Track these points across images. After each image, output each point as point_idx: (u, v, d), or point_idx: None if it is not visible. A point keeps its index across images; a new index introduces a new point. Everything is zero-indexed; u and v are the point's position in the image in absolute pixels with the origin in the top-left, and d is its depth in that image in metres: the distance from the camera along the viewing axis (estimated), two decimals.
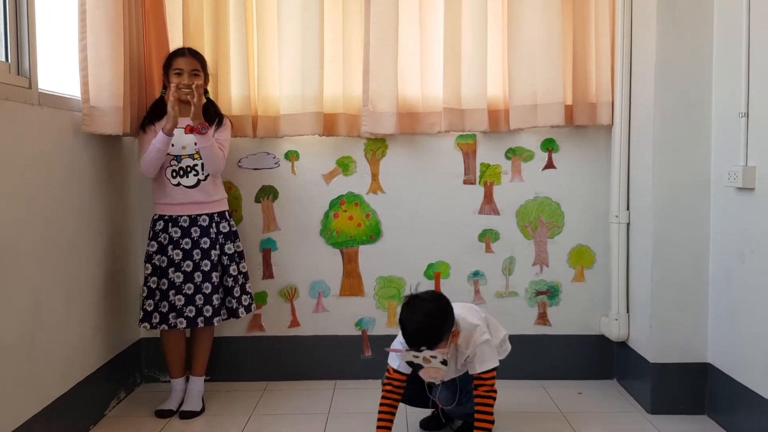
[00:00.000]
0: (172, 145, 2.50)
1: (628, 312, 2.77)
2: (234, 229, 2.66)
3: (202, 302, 2.54)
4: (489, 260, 2.91)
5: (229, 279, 2.61)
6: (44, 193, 2.17)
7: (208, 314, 2.53)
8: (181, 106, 2.50)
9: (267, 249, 2.92)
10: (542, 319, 2.93)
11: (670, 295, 2.52)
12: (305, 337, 2.94)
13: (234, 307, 2.63)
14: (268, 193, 2.91)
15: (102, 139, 2.55)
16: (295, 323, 2.95)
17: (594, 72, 2.76)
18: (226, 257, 2.61)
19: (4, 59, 2.10)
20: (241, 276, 2.66)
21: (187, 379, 2.69)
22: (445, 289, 2.91)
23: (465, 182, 2.90)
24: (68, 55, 2.50)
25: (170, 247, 2.55)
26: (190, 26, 2.72)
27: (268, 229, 2.92)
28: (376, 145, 2.89)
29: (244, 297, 2.66)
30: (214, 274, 2.55)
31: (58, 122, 2.28)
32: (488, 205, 2.90)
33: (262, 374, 2.93)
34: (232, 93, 2.77)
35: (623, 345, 2.81)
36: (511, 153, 2.89)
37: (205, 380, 2.72)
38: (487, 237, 2.91)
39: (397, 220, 2.91)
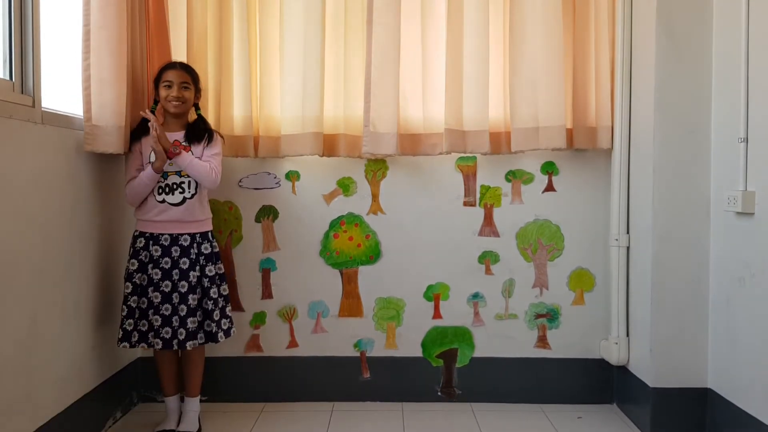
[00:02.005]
0: None
1: (628, 336, 2.76)
2: (216, 250, 2.60)
3: (177, 324, 2.47)
4: (489, 282, 2.91)
5: (209, 302, 2.53)
6: (45, 210, 2.17)
7: (181, 337, 2.46)
8: (170, 120, 2.54)
9: (266, 269, 2.92)
10: (542, 342, 2.91)
11: (670, 319, 2.51)
12: (303, 358, 2.93)
13: (213, 330, 2.54)
14: (268, 213, 2.91)
15: (103, 158, 2.55)
16: (293, 344, 2.93)
17: (594, 96, 2.77)
18: (207, 279, 2.54)
19: (8, 78, 2.11)
20: (222, 299, 2.59)
21: (182, 399, 2.65)
22: (445, 310, 2.91)
23: (465, 204, 2.90)
24: (71, 74, 2.52)
25: (150, 265, 2.49)
26: (194, 47, 2.74)
27: (267, 249, 2.92)
28: (377, 166, 2.90)
29: (224, 321, 2.58)
30: (191, 297, 2.48)
31: (61, 141, 2.29)
32: (488, 227, 2.91)
33: (259, 395, 2.91)
34: (234, 113, 2.79)
35: (623, 369, 2.80)
36: (512, 175, 2.90)
37: (202, 401, 2.69)
38: (487, 259, 2.91)
39: (397, 241, 2.91)
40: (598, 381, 2.89)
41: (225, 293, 2.62)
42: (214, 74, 2.76)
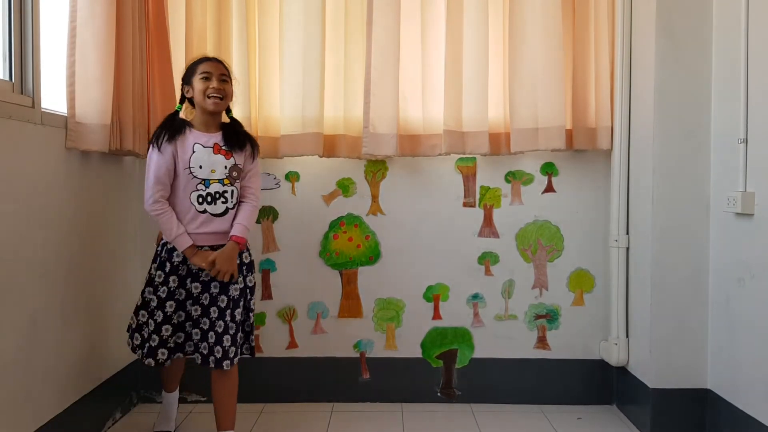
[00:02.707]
0: (200, 167, 2.26)
1: (627, 337, 2.76)
2: (252, 259, 2.44)
3: (213, 341, 2.26)
4: (488, 283, 2.91)
5: (248, 314, 2.38)
6: (44, 210, 2.17)
7: (218, 355, 2.24)
8: (205, 120, 2.31)
9: (266, 270, 2.92)
10: (542, 342, 2.91)
11: (669, 320, 2.51)
12: (303, 359, 2.93)
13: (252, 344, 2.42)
14: (267, 214, 2.91)
15: (103, 159, 2.55)
16: (293, 345, 2.93)
17: (593, 97, 2.77)
18: (248, 290, 2.37)
19: (8, 78, 2.11)
20: (251, 312, 2.42)
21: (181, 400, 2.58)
22: (444, 311, 2.91)
23: (465, 205, 2.90)
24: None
25: (189, 279, 2.28)
26: (193, 47, 2.75)
27: (267, 250, 2.92)
28: (377, 167, 2.90)
29: (251, 336, 2.42)
30: (228, 312, 2.27)
31: (60, 141, 2.29)
32: (488, 227, 2.91)
33: (258, 396, 2.91)
34: (233, 114, 2.78)
35: (623, 370, 2.80)
36: (511, 176, 2.90)
37: (201, 401, 2.69)
38: (487, 260, 2.91)
39: (397, 242, 2.90)
40: (598, 382, 2.89)
41: (254, 307, 2.44)
42: None
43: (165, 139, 2.24)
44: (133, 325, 2.32)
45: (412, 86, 2.81)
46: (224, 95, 2.28)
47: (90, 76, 2.37)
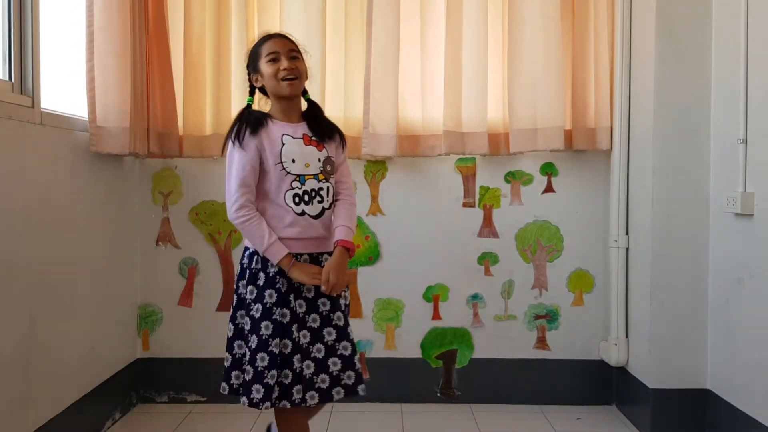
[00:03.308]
0: (293, 160, 1.90)
1: (627, 337, 2.76)
2: None
3: (338, 368, 1.88)
4: (488, 283, 2.91)
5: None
6: (44, 211, 2.17)
7: (350, 381, 1.90)
8: (283, 108, 1.95)
9: None
10: (541, 343, 2.91)
11: (669, 320, 2.51)
12: None
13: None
14: None
15: (103, 159, 2.56)
16: None
17: (593, 97, 2.77)
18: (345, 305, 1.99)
19: (7, 78, 2.11)
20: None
21: None
22: (444, 311, 2.91)
23: (464, 205, 2.90)
24: (71, 75, 2.52)
25: (292, 295, 1.88)
26: (192, 48, 2.75)
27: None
28: (376, 167, 2.90)
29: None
30: (349, 329, 1.93)
31: (60, 141, 2.29)
32: (487, 228, 2.91)
33: None
34: (232, 114, 2.77)
35: (622, 370, 2.80)
36: (511, 176, 2.90)
37: (201, 401, 2.68)
38: (487, 260, 2.91)
39: (397, 242, 2.90)
40: (598, 382, 2.89)
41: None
42: (212, 75, 2.76)
43: (247, 132, 1.88)
44: (227, 364, 1.91)
45: (411, 87, 2.81)
46: (298, 74, 1.92)
47: (109, 80, 2.42)
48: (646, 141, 2.57)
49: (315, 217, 1.91)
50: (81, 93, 2.48)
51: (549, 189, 2.90)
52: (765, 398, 2.12)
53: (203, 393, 2.89)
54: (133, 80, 2.53)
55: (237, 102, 2.77)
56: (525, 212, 2.90)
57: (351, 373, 1.90)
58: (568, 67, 2.77)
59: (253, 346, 1.83)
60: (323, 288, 1.85)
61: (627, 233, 2.76)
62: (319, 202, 1.92)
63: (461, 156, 2.86)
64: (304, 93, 2.01)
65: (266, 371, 1.80)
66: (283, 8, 2.78)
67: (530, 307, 2.91)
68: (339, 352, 1.89)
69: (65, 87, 2.54)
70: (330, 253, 1.92)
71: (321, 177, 1.92)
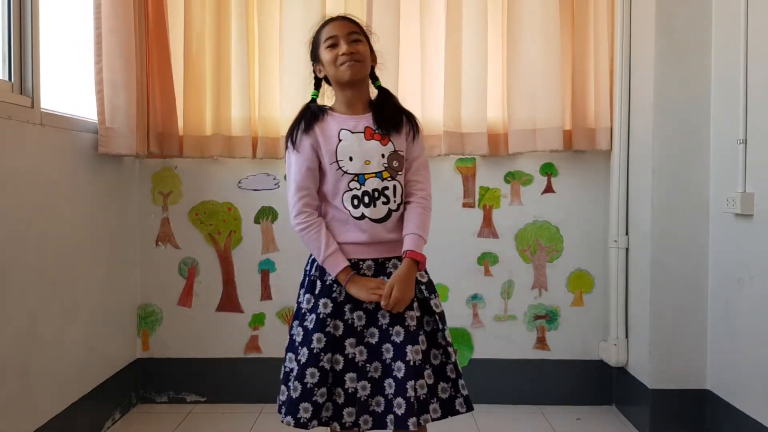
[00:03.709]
0: (350, 158, 1.73)
1: (627, 337, 2.76)
2: (430, 277, 1.82)
3: (392, 391, 1.65)
4: (488, 283, 2.91)
5: (439, 353, 1.74)
6: (43, 211, 2.17)
7: (400, 411, 1.61)
8: (348, 98, 1.79)
9: (265, 270, 2.92)
10: (541, 343, 2.91)
11: (669, 320, 2.51)
12: None
13: (450, 395, 1.74)
14: (267, 214, 2.91)
15: (102, 159, 2.56)
16: None
17: (593, 97, 2.77)
18: (431, 320, 1.75)
19: (7, 78, 2.11)
20: (450, 347, 1.76)
21: None
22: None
23: (464, 205, 2.90)
24: (71, 75, 2.52)
25: (348, 307, 1.71)
26: (192, 47, 2.75)
27: (267, 251, 2.91)
28: None
29: (461, 381, 1.76)
30: (409, 349, 1.65)
31: (60, 142, 2.29)
32: (487, 228, 2.91)
33: (258, 396, 2.90)
34: (232, 114, 2.79)
35: (622, 370, 2.80)
36: (511, 177, 2.90)
37: (200, 402, 2.68)
38: (486, 260, 2.91)
39: None
40: (597, 382, 2.89)
41: (450, 338, 1.78)
42: (212, 74, 2.76)
43: (300, 131, 1.76)
44: (281, 376, 1.78)
45: (411, 87, 2.81)
46: (361, 58, 1.73)
47: (117, 82, 2.43)
48: (646, 141, 2.57)
49: (379, 221, 1.72)
50: (82, 93, 2.48)
51: (549, 189, 2.90)
52: (765, 398, 2.13)
53: (203, 393, 2.89)
54: (137, 81, 2.53)
55: (237, 102, 2.77)
56: (525, 212, 2.90)
57: (401, 401, 1.62)
58: (567, 68, 2.78)
59: (303, 360, 1.67)
60: (383, 304, 1.66)
61: (627, 233, 2.76)
62: (384, 203, 1.73)
63: (461, 156, 2.86)
64: (375, 80, 1.83)
65: (316, 388, 1.64)
66: (283, 8, 2.78)
67: (530, 308, 2.91)
68: (393, 374, 1.65)
69: (65, 87, 2.53)
70: (399, 259, 1.73)
71: (385, 175, 1.72)
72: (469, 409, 1.75)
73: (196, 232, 2.90)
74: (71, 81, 2.55)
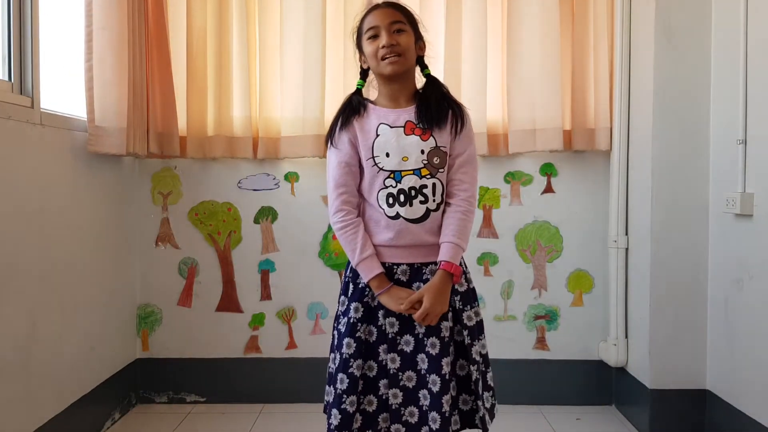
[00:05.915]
0: (387, 154, 1.66)
1: (626, 337, 2.76)
2: (473, 285, 1.75)
3: (427, 402, 1.60)
4: (487, 284, 2.91)
5: (469, 365, 1.67)
6: (44, 211, 2.17)
7: (435, 426, 1.57)
8: (391, 90, 1.70)
9: (265, 270, 2.92)
10: (541, 343, 2.91)
11: (668, 320, 2.51)
12: (302, 359, 2.92)
13: (473, 408, 1.68)
14: (267, 214, 2.91)
15: (102, 159, 2.55)
16: (292, 345, 2.93)
17: (592, 98, 2.77)
18: (466, 330, 1.68)
19: (7, 78, 2.11)
20: (483, 362, 1.72)
21: None
22: None
23: None
24: (71, 75, 2.52)
25: (381, 312, 1.65)
26: (193, 48, 2.75)
27: (266, 251, 2.91)
28: None
29: (486, 394, 1.70)
30: (445, 361, 1.60)
31: (60, 142, 2.29)
32: (487, 228, 2.91)
33: (258, 396, 2.91)
34: (233, 114, 2.79)
35: (622, 370, 2.80)
36: (510, 177, 2.90)
37: (200, 402, 2.68)
38: (486, 260, 2.91)
39: None
40: (597, 382, 2.89)
41: (485, 351, 1.74)
42: (213, 75, 2.76)
43: (338, 128, 1.70)
44: (327, 377, 1.76)
45: None
46: (402, 51, 1.64)
47: (107, 80, 2.41)
48: (646, 141, 2.57)
49: (415, 221, 1.64)
50: (80, 93, 2.48)
51: (548, 189, 2.90)
52: (765, 398, 2.13)
53: (203, 393, 2.89)
54: (132, 80, 2.52)
55: (238, 102, 2.77)
56: (524, 213, 2.90)
57: (436, 415, 1.56)
58: (567, 68, 2.78)
59: (334, 366, 1.65)
60: (415, 316, 1.59)
61: (626, 234, 2.76)
62: (422, 202, 1.63)
63: None
64: (423, 67, 1.73)
65: (344, 396, 1.60)
66: (283, 8, 2.78)
67: (530, 308, 2.91)
68: (428, 386, 1.59)
69: (65, 87, 2.53)
70: (437, 263, 1.64)
71: (424, 172, 1.63)
72: (492, 417, 1.70)
73: (196, 232, 2.90)
74: (71, 81, 2.55)
